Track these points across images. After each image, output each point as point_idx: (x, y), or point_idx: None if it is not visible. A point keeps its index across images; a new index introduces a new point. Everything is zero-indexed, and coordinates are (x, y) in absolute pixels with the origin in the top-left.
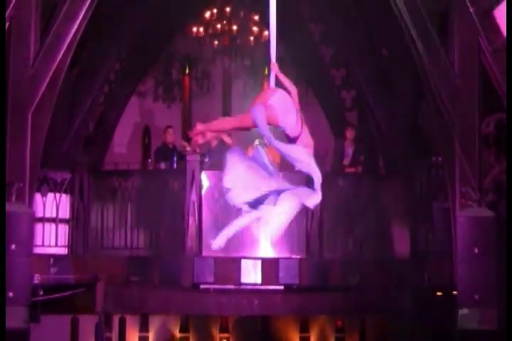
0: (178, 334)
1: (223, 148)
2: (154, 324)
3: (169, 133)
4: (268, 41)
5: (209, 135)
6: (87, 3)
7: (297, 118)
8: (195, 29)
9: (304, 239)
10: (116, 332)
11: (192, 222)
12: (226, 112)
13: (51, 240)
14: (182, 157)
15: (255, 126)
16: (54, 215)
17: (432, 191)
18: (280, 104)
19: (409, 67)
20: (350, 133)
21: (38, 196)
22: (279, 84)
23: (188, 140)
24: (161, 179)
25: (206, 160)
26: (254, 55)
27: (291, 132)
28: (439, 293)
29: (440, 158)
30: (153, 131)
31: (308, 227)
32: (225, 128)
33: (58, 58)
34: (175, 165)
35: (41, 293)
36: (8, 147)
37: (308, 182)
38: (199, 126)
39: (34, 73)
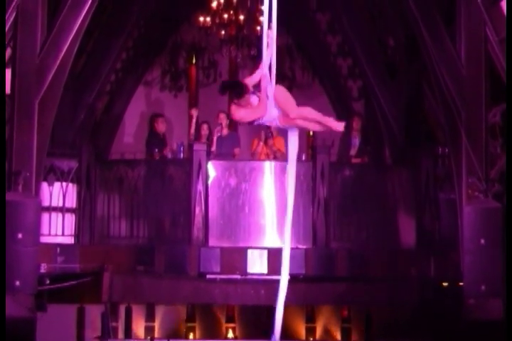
0: (184, 324)
1: (233, 136)
2: (160, 313)
3: (159, 122)
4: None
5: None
6: None
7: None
8: (202, 19)
9: (310, 229)
10: (122, 321)
11: (198, 211)
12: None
13: (58, 229)
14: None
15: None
16: (61, 204)
17: (438, 181)
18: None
19: (416, 57)
20: (356, 123)
21: (44, 185)
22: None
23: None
24: (167, 168)
25: (213, 149)
26: (260, 44)
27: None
28: (445, 284)
29: (446, 149)
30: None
31: (314, 217)
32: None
33: (65, 47)
34: (169, 155)
35: (48, 282)
36: (15, 136)
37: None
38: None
39: (41, 62)
